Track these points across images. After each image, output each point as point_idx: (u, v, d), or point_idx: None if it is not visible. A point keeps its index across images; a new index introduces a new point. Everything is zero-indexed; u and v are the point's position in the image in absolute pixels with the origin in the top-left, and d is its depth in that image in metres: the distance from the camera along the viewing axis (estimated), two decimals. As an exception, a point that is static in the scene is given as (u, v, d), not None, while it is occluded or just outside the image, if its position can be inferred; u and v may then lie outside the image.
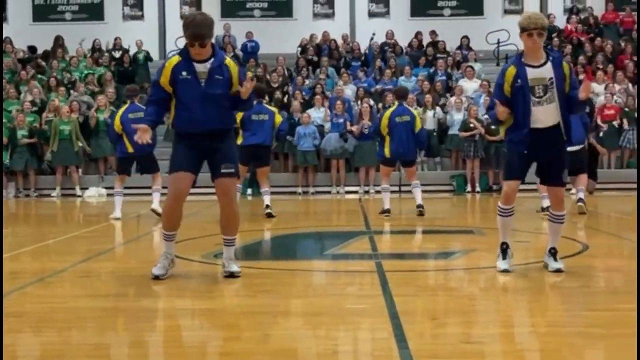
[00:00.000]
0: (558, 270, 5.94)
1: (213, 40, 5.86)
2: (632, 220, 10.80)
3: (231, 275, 5.80)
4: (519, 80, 5.80)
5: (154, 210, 10.74)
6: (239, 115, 9.88)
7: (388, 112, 11.09)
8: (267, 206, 11.06)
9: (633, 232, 9.47)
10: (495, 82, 6.10)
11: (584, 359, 3.77)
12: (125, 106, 10.96)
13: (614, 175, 16.73)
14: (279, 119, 11.06)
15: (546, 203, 10.67)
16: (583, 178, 11.22)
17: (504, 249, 6.07)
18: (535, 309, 4.98)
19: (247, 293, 5.43)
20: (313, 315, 4.67)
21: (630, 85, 18.43)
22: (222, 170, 5.78)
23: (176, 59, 5.79)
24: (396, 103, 11.23)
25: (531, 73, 5.81)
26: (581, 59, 19.48)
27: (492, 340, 4.06)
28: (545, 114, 5.83)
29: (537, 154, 5.90)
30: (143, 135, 5.71)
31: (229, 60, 5.84)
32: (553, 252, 6.08)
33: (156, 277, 5.73)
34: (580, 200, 10.96)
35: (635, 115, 17.36)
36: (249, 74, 5.46)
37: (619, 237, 8.92)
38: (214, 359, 3.82)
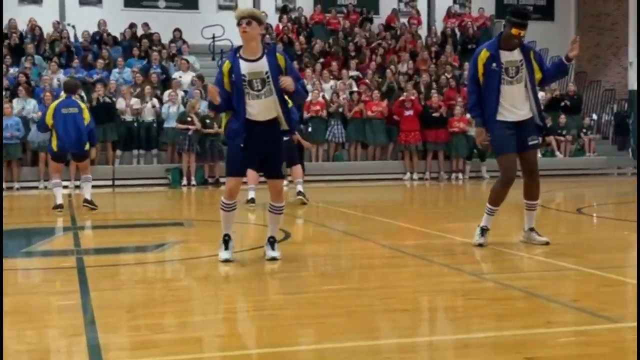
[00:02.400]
0: (273, 259, 6.13)
1: None
2: (335, 210, 11.49)
3: None
4: (233, 75, 5.88)
5: None
6: None
7: (53, 104, 10.86)
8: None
9: (336, 220, 10.10)
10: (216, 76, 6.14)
11: (288, 339, 3.90)
12: None
13: (320, 168, 17.64)
14: None
15: (251, 194, 10.99)
16: (298, 169, 11.63)
17: (226, 240, 6.12)
18: (235, 295, 5.10)
19: None
20: (8, 315, 4.38)
21: (336, 82, 19.52)
22: None
23: None
24: (64, 95, 11.03)
25: (247, 67, 5.89)
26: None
27: (184, 328, 4.08)
28: (262, 107, 5.94)
29: (255, 147, 5.98)
30: None
31: None
32: (272, 241, 6.27)
33: None
34: (299, 193, 11.35)
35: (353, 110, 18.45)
36: None
37: (322, 226, 9.41)
38: None
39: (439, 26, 24.69)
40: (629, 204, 12.56)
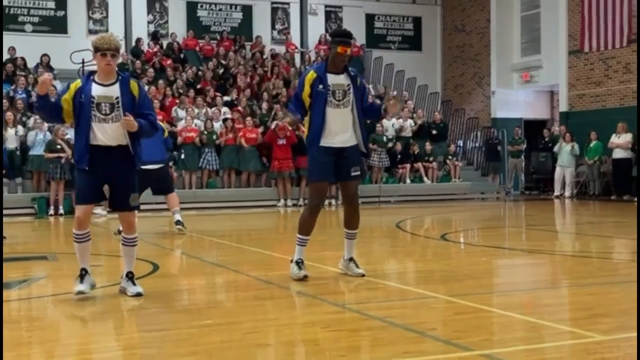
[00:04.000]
0: (138, 294, 6.02)
1: None
2: (208, 240, 11.44)
3: None
4: (82, 95, 5.80)
5: None
6: None
7: None
8: None
9: (208, 251, 10.06)
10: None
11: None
12: None
13: (193, 196, 17.52)
14: None
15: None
16: (174, 197, 11.45)
17: (82, 275, 5.98)
18: (100, 334, 5.01)
19: None
20: None
21: (209, 109, 19.50)
22: None
23: None
24: None
25: (98, 90, 5.83)
26: (161, 83, 20.10)
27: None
28: (109, 132, 5.85)
29: (104, 174, 5.89)
30: None
31: None
32: (130, 277, 6.12)
33: None
34: (178, 222, 11.18)
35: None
36: None
37: (193, 257, 9.32)
38: None
39: (312, 54, 25.13)
40: (491, 229, 13.19)
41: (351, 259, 6.92)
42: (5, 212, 16.04)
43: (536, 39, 23.99)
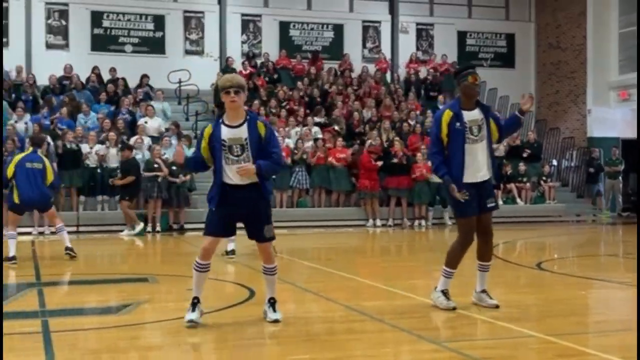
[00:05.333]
0: (276, 321, 6.28)
1: None
2: (299, 263, 11.53)
3: None
4: (213, 140, 6.11)
5: None
6: None
7: (17, 157, 10.98)
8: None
9: (300, 276, 10.13)
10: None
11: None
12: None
13: (284, 214, 17.71)
14: None
15: (230, 246, 11.05)
16: None
17: (194, 303, 6.21)
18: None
19: None
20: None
21: (300, 128, 19.72)
22: None
23: None
24: (30, 149, 11.16)
25: (228, 133, 6.09)
26: (256, 103, 20.43)
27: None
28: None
29: (233, 210, 6.15)
30: None
31: None
32: (272, 302, 6.42)
33: None
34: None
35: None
36: None
37: (285, 282, 9.35)
38: None
39: (402, 72, 25.13)
40: (588, 257, 12.84)
41: (484, 291, 7.06)
42: (104, 228, 16.71)
43: (634, 56, 23.28)
